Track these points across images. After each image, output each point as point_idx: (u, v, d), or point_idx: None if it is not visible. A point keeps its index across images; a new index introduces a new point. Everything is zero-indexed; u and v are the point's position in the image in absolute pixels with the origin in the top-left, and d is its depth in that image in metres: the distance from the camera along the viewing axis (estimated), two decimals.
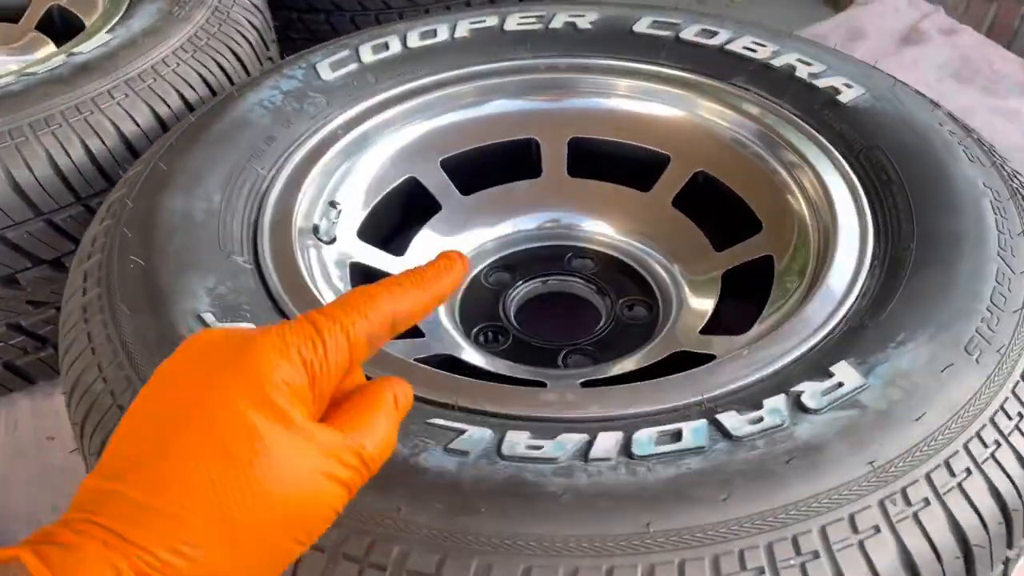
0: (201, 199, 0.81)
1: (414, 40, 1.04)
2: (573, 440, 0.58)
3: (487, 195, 1.03)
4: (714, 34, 1.03)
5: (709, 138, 0.98)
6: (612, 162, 1.03)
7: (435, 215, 0.99)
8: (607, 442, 0.58)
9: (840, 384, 0.61)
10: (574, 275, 0.99)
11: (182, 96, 1.04)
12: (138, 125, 1.00)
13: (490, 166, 1.03)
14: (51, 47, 1.32)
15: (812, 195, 0.86)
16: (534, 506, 0.54)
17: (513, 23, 1.06)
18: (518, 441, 0.58)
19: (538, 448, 0.58)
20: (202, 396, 0.45)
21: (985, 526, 0.57)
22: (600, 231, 1.03)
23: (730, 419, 0.59)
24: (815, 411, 0.59)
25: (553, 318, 0.98)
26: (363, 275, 0.90)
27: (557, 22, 1.06)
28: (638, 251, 1.00)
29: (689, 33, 1.03)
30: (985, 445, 0.59)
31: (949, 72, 2.44)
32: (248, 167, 0.86)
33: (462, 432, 0.59)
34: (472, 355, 0.88)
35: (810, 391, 0.61)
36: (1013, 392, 0.62)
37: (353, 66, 1.00)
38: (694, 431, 0.58)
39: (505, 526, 0.53)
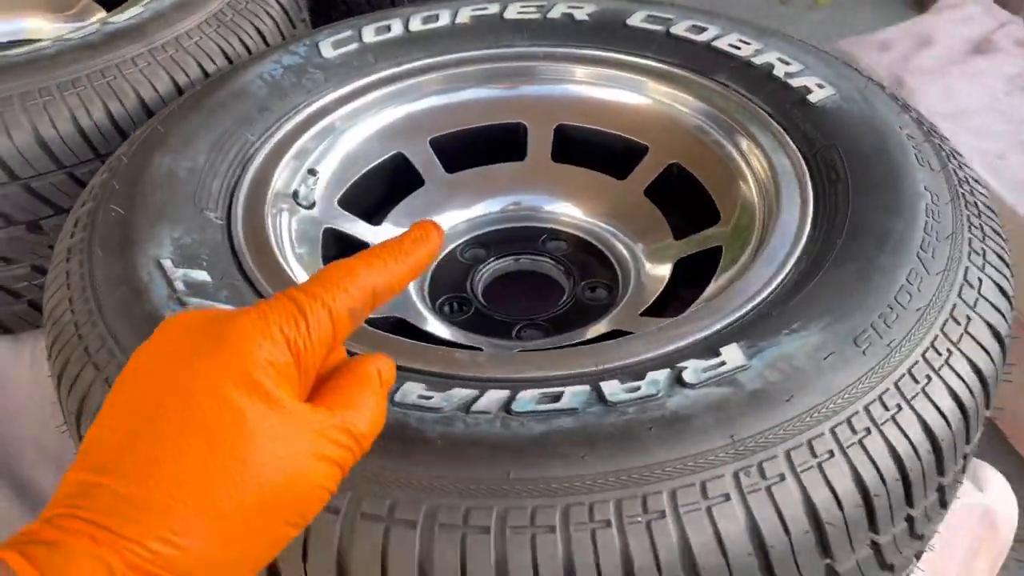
0: (188, 159, 0.89)
1: (416, 24, 1.09)
2: (461, 395, 0.63)
3: (471, 174, 1.08)
4: (703, 30, 1.05)
5: (684, 132, 1.00)
6: (593, 149, 1.07)
7: (417, 190, 1.04)
8: (492, 398, 0.63)
9: (723, 363, 0.64)
10: (545, 255, 1.04)
11: (201, 67, 1.13)
12: (157, 91, 1.08)
13: (477, 147, 1.08)
14: (102, 14, 1.43)
15: (764, 190, 0.89)
16: (411, 448, 0.59)
17: (513, 12, 1.11)
18: (412, 391, 0.63)
19: (428, 398, 0.63)
20: (183, 381, 0.44)
21: (841, 507, 0.59)
22: (575, 215, 1.07)
23: (610, 386, 0.63)
24: (691, 385, 0.63)
25: (519, 295, 1.03)
26: (336, 240, 0.96)
27: (556, 12, 1.10)
28: (608, 235, 1.04)
29: (680, 28, 1.06)
30: (854, 431, 0.61)
31: (1021, 85, 2.37)
32: (238, 133, 0.94)
33: None
34: (429, 322, 0.93)
35: (692, 367, 0.64)
36: (896, 385, 0.64)
37: (354, 46, 1.06)
38: (573, 395, 0.63)
39: (385, 463, 0.59)
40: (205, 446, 0.42)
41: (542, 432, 0.60)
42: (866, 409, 0.62)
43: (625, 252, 1.02)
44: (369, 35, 1.08)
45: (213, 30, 1.16)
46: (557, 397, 0.63)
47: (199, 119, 0.94)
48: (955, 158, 0.87)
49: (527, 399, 0.63)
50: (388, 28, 1.09)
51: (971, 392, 0.67)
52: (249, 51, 1.18)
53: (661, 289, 0.93)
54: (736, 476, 0.58)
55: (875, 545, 0.63)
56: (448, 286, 1.00)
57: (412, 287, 0.98)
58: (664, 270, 0.96)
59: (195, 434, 0.42)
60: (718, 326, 0.70)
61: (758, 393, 0.62)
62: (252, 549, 0.44)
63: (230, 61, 1.16)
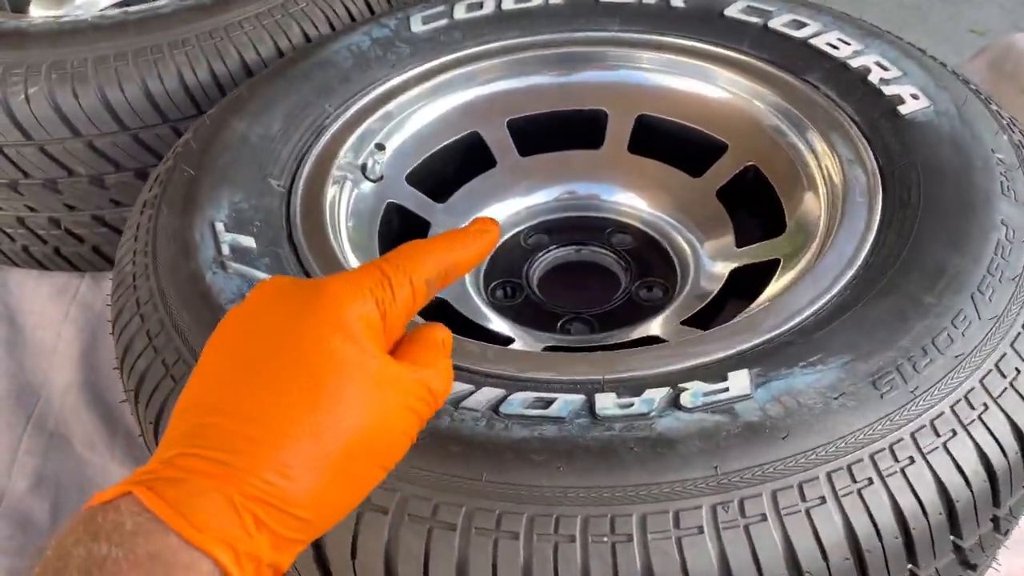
0: (262, 125, 0.93)
1: (509, 3, 1.09)
2: (456, 388, 0.64)
3: (544, 159, 1.07)
4: (803, 26, 0.99)
5: (763, 132, 0.96)
6: (672, 143, 1.04)
7: (488, 171, 1.05)
8: (485, 396, 0.63)
9: (725, 389, 0.62)
10: (607, 248, 1.02)
11: (304, 32, 1.17)
12: (259, 54, 1.13)
13: (553, 132, 1.07)
14: None
15: (832, 205, 0.84)
16: None
17: None
18: None
19: None
20: (287, 331, 0.47)
21: (826, 559, 0.57)
22: (644, 209, 1.04)
23: (603, 399, 0.62)
24: (686, 409, 0.61)
25: (574, 285, 1.02)
26: (399, 214, 0.98)
27: None
28: (675, 235, 1.01)
29: (778, 22, 1.00)
30: (853, 480, 0.58)
31: None
32: (316, 103, 0.97)
33: None
34: (472, 305, 0.94)
35: (693, 390, 0.62)
36: (912, 436, 0.60)
37: (444, 21, 1.07)
38: (565, 403, 0.62)
39: None
40: (311, 387, 0.46)
41: (523, 437, 0.60)
42: (871, 458, 0.59)
43: (689, 254, 0.99)
44: (460, 12, 1.08)
45: None
46: (548, 403, 0.62)
47: (281, 86, 0.98)
48: None
49: (518, 401, 0.63)
50: (480, 5, 1.09)
51: (1005, 454, 0.61)
52: (352, 16, 1.22)
53: (708, 300, 0.90)
54: (713, 509, 0.56)
55: None
56: (505, 270, 1.01)
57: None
58: (720, 276, 0.92)
59: (302, 376, 0.46)
60: (735, 349, 0.67)
61: (753, 426, 0.59)
62: (352, 486, 0.48)
63: (333, 28, 1.19)
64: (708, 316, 0.90)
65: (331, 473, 0.46)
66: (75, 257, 1.26)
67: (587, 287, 1.02)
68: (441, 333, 0.56)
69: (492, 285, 0.99)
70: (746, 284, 0.89)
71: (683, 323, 0.88)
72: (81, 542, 0.40)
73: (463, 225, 0.62)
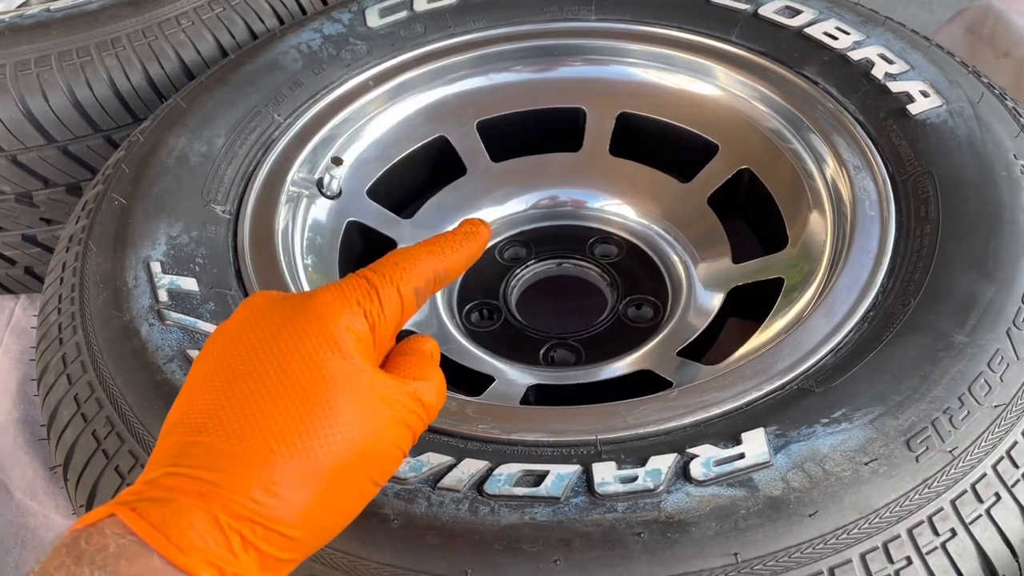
0: (203, 142, 0.83)
1: None
2: (433, 462, 0.56)
3: (519, 164, 0.98)
4: (796, 13, 0.91)
5: (759, 134, 0.88)
6: (657, 144, 0.95)
7: (457, 180, 0.96)
8: (466, 470, 0.55)
9: (741, 456, 0.54)
10: (591, 262, 0.94)
11: (249, 27, 1.06)
12: (199, 53, 1.03)
13: (528, 134, 0.98)
14: None
15: (840, 219, 0.76)
16: (362, 525, 0.52)
17: None
18: None
19: None
20: (273, 347, 0.46)
21: None
22: (630, 217, 0.96)
23: (603, 471, 0.54)
24: (698, 482, 0.53)
25: (556, 303, 0.94)
26: (360, 234, 0.89)
27: None
28: (664, 246, 0.93)
29: (769, 9, 0.92)
30: (891, 560, 0.51)
31: None
32: (264, 112, 0.87)
33: None
34: (448, 335, 0.86)
35: (704, 457, 0.55)
36: (953, 504, 0.53)
37: (403, 14, 0.97)
38: (558, 477, 0.54)
39: (335, 541, 0.52)
40: (299, 402, 0.45)
41: (512, 524, 0.52)
42: (909, 533, 0.52)
43: (680, 269, 0.91)
44: (421, 3, 0.98)
45: None
46: (540, 478, 0.54)
47: (224, 94, 0.88)
48: None
49: (504, 477, 0.55)
50: None
51: None
52: (304, 11, 1.11)
53: (704, 326, 0.82)
54: None
55: None
56: (480, 290, 0.92)
57: (439, 293, 0.90)
58: (716, 299, 0.85)
59: (289, 392, 0.45)
60: (747, 398, 0.59)
61: (776, 502, 0.52)
62: (343, 503, 0.46)
63: (282, 22, 1.09)
64: (705, 342, 0.82)
65: (321, 490, 0.44)
66: (6, 279, 1.16)
67: (570, 306, 0.94)
68: (429, 344, 0.54)
69: (467, 308, 0.90)
70: (746, 304, 0.82)
71: (679, 353, 0.80)
72: (63, 566, 0.40)
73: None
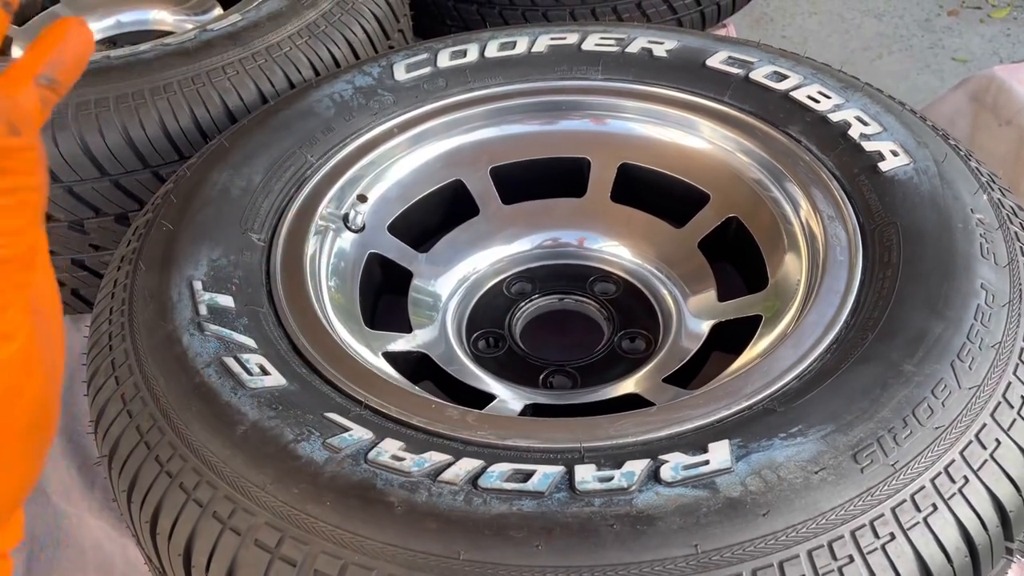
0: (243, 177, 0.92)
1: (492, 50, 1.09)
2: (435, 459, 0.63)
3: (527, 207, 1.07)
4: (784, 78, 1.00)
5: (745, 185, 0.96)
6: (654, 192, 1.04)
7: (470, 219, 1.05)
8: (463, 468, 0.63)
9: (706, 462, 0.62)
10: (590, 298, 1.02)
11: (287, 77, 1.16)
12: (242, 100, 1.13)
13: (536, 180, 1.07)
14: (218, 10, 1.50)
15: (813, 263, 0.84)
16: (369, 510, 0.60)
17: (591, 43, 1.09)
18: (387, 450, 0.64)
19: (400, 460, 0.63)
20: None
21: None
22: (628, 258, 1.04)
23: (584, 472, 0.62)
24: (666, 483, 0.60)
25: (558, 334, 1.01)
26: (380, 265, 0.98)
27: (635, 47, 1.07)
28: (658, 285, 1.01)
29: (759, 74, 1.01)
30: (834, 558, 0.57)
31: None
32: (298, 153, 0.96)
33: (346, 430, 0.66)
34: (455, 357, 0.94)
35: (673, 462, 0.62)
36: (893, 511, 0.59)
37: (427, 69, 1.07)
38: (544, 475, 0.62)
39: (341, 522, 0.60)
40: None
41: (501, 513, 0.59)
42: (852, 534, 0.58)
43: (671, 306, 0.99)
44: (444, 59, 1.08)
45: (304, 41, 1.19)
46: (528, 476, 0.62)
47: (263, 136, 0.97)
48: None
49: (496, 474, 0.62)
50: (464, 53, 1.09)
51: (985, 528, 0.61)
52: (337, 62, 1.21)
53: (688, 357, 0.89)
54: None
55: None
56: (488, 321, 1.00)
57: (449, 321, 0.99)
58: (702, 332, 0.92)
59: None
60: (717, 416, 0.67)
61: (734, 502, 0.59)
62: None
63: (316, 72, 1.19)
64: (690, 372, 0.89)
65: None
66: None
67: (570, 337, 1.01)
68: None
69: (475, 336, 0.99)
70: (728, 338, 0.89)
71: (665, 380, 0.87)
72: None
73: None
